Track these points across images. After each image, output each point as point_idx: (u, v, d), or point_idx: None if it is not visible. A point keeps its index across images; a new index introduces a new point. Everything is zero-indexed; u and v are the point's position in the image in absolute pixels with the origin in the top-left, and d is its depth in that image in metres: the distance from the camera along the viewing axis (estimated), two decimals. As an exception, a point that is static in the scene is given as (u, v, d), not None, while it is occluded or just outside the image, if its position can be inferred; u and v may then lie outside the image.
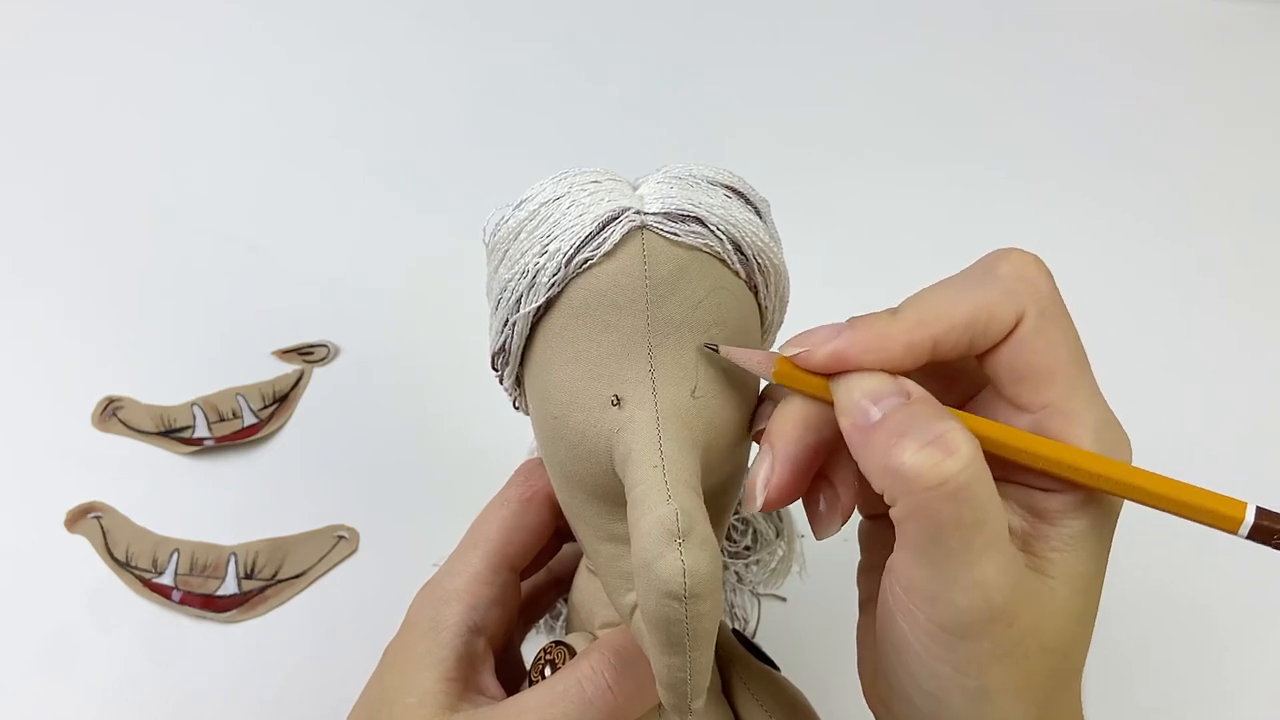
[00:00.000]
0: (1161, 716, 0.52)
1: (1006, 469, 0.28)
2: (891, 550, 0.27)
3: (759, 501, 0.29)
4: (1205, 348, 0.67)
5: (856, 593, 0.34)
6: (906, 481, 0.25)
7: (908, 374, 0.29)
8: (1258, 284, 0.71)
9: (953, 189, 0.75)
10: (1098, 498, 0.28)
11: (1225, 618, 0.55)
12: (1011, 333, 0.28)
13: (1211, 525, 0.27)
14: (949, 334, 0.28)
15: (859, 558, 0.34)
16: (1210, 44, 0.88)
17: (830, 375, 0.28)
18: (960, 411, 0.28)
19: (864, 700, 0.32)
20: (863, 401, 0.27)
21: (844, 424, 0.28)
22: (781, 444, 0.29)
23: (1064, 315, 0.29)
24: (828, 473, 0.30)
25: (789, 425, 0.29)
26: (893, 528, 0.27)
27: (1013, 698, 0.27)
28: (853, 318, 0.29)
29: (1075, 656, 0.29)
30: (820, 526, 0.31)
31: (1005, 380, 0.29)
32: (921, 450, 0.25)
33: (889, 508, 0.26)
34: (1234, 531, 0.26)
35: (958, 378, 0.31)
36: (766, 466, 0.29)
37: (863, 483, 0.29)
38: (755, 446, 0.32)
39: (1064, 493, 0.28)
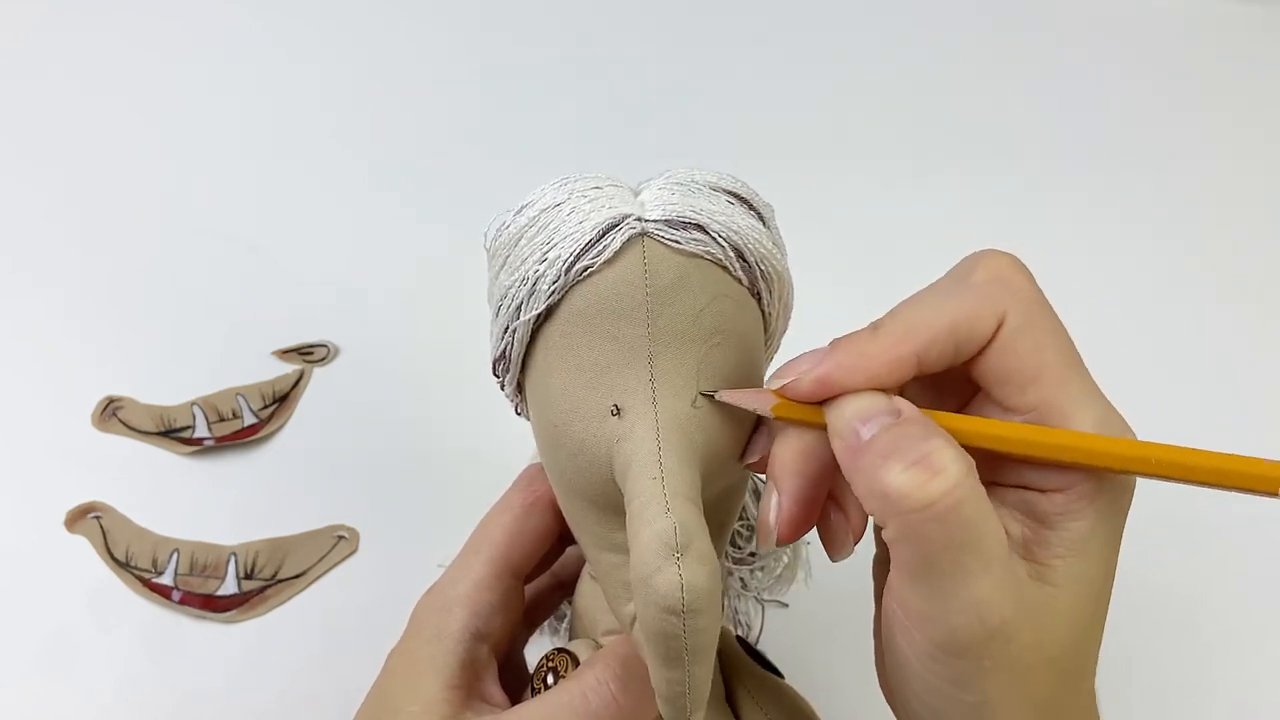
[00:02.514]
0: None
1: (1005, 473, 0.28)
2: None
3: (772, 539, 0.28)
4: (1207, 347, 0.67)
5: (858, 600, 0.33)
6: (893, 504, 0.25)
7: (897, 389, 0.28)
8: (1259, 283, 0.71)
9: (955, 190, 0.75)
10: (1099, 497, 0.27)
11: (1222, 616, 0.55)
12: (994, 337, 0.28)
13: (1244, 489, 0.25)
14: (931, 346, 0.28)
15: (864, 562, 0.34)
16: (1210, 44, 0.88)
17: (821, 402, 0.28)
18: (957, 415, 0.28)
19: (866, 707, 0.32)
20: (853, 423, 0.27)
21: (836, 447, 0.27)
22: (785, 478, 0.29)
23: (1048, 313, 0.28)
24: (836, 494, 0.30)
25: (789, 457, 0.29)
26: None
27: (1015, 710, 0.27)
28: (834, 340, 0.29)
29: (1082, 662, 0.28)
30: (834, 549, 0.30)
31: (994, 385, 0.28)
32: (907, 471, 0.25)
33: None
34: (1274, 493, 0.25)
35: (951, 387, 0.31)
36: (775, 504, 0.28)
37: None
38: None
39: (1064, 492, 0.27)
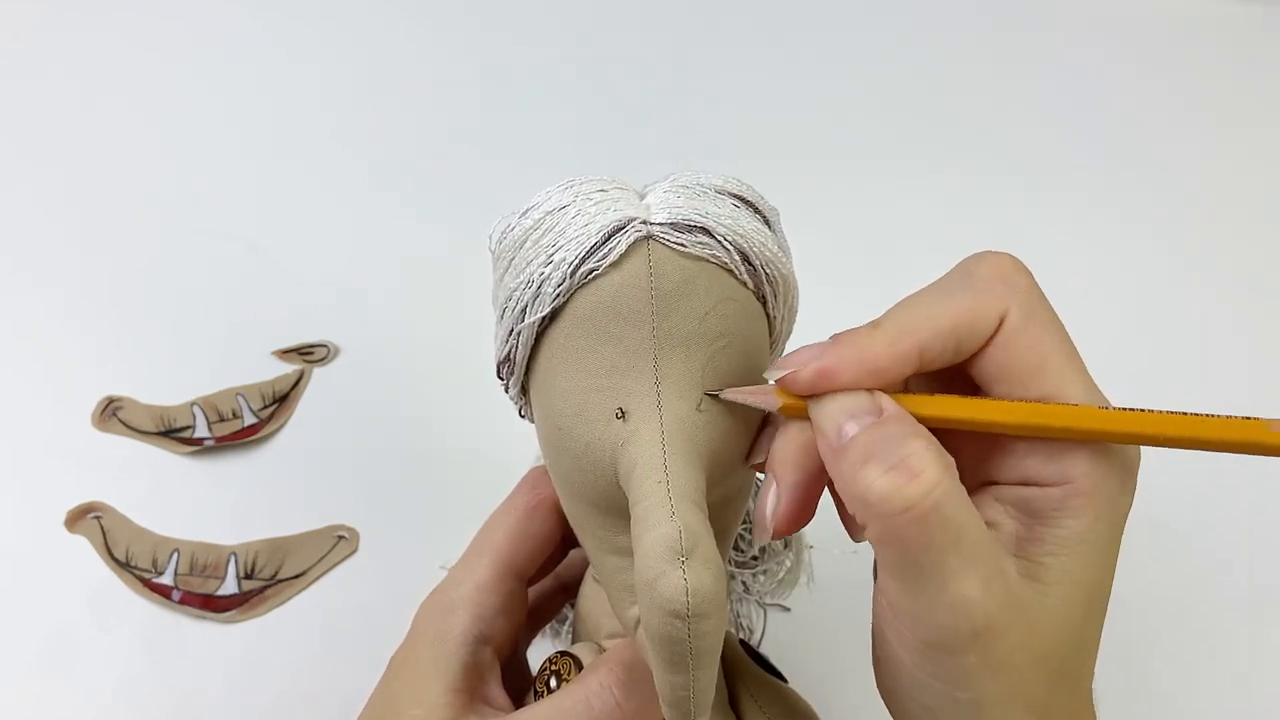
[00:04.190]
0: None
1: (1004, 469, 0.28)
2: None
3: (768, 533, 0.29)
4: (1207, 347, 0.67)
5: (860, 603, 0.33)
6: (872, 507, 0.25)
7: (898, 385, 0.28)
8: (1259, 283, 0.71)
9: (955, 190, 0.75)
10: (1097, 496, 0.27)
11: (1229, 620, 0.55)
12: (995, 334, 0.28)
13: (1256, 451, 0.25)
14: (933, 342, 0.28)
15: (864, 565, 0.34)
16: (1210, 44, 0.88)
17: (814, 397, 0.28)
18: (953, 397, 0.28)
19: (868, 710, 0.32)
20: (836, 420, 0.27)
21: (820, 445, 0.28)
22: (784, 471, 0.29)
23: (1048, 311, 0.29)
24: None
25: (790, 451, 0.29)
26: None
27: (1007, 709, 0.27)
28: (835, 335, 0.29)
29: (1077, 663, 0.28)
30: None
31: (994, 382, 0.28)
32: (885, 475, 0.25)
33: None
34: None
35: (950, 387, 0.30)
36: (772, 496, 0.29)
37: None
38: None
39: (1061, 488, 0.27)
